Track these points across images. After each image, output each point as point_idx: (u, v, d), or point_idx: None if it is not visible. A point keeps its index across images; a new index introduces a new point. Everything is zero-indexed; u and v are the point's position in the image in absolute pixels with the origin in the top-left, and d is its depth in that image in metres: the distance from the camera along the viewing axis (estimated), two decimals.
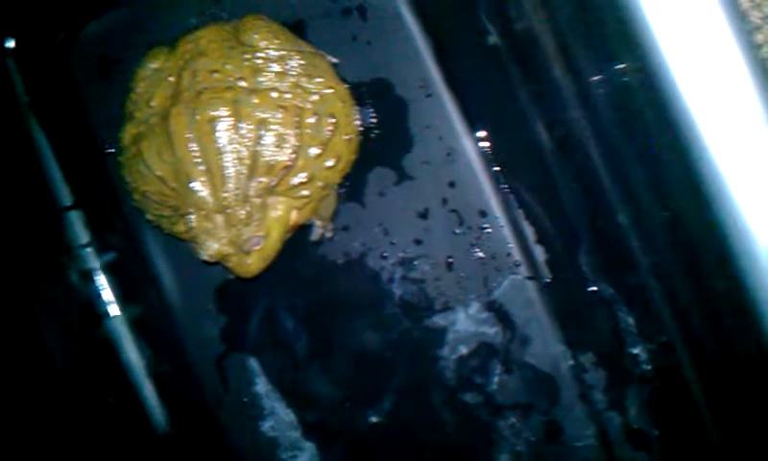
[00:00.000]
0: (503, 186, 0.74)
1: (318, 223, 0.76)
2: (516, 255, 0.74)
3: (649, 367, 0.73)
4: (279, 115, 0.68)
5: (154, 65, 0.75)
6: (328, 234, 0.77)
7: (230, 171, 0.67)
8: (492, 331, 0.76)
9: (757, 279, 0.52)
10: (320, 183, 0.72)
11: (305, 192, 0.71)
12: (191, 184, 0.68)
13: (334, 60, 0.75)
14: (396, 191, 0.76)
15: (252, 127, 0.68)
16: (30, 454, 0.76)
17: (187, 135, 0.68)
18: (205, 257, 0.69)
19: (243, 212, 0.68)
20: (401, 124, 0.75)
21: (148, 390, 0.86)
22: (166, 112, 0.70)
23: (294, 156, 0.69)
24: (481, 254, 0.75)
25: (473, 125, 0.74)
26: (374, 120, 0.76)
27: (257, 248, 0.70)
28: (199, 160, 0.68)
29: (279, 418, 0.82)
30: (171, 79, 0.72)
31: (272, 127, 0.68)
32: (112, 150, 0.80)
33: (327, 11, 0.76)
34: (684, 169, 0.53)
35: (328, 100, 0.71)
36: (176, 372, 0.85)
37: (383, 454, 0.81)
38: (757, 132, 0.51)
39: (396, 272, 0.77)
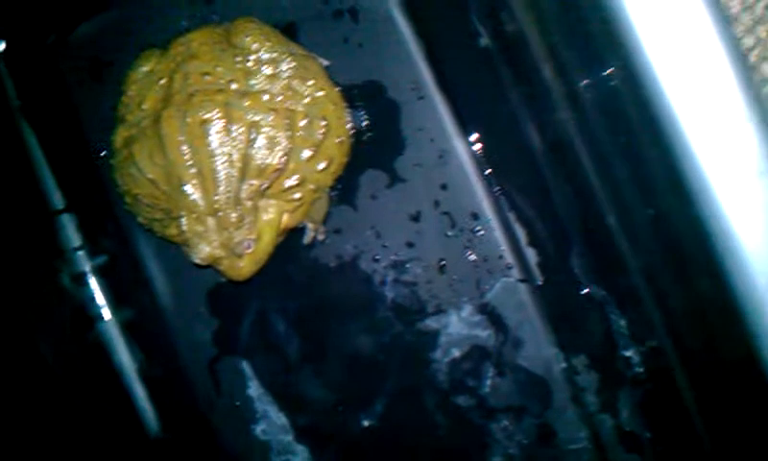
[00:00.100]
0: (495, 189, 0.74)
1: (310, 226, 0.76)
2: (509, 258, 0.74)
3: (641, 369, 0.73)
4: (271, 118, 0.68)
5: (145, 68, 0.75)
6: (320, 237, 0.77)
7: (222, 174, 0.67)
8: (485, 334, 0.76)
9: (741, 278, 0.53)
10: (311, 186, 0.72)
11: (297, 195, 0.71)
12: (182, 187, 0.67)
13: (326, 62, 0.75)
14: (389, 194, 0.76)
15: (243, 129, 0.68)
16: (22, 458, 0.76)
17: (179, 138, 0.67)
18: (197, 260, 0.69)
19: (234, 215, 0.68)
20: (393, 126, 0.75)
21: (140, 393, 0.85)
22: (158, 115, 0.69)
23: (285, 158, 0.69)
24: (473, 257, 0.75)
25: (465, 127, 0.74)
26: (366, 122, 0.76)
27: (249, 251, 0.69)
28: (190, 163, 0.67)
29: (272, 421, 0.82)
30: (162, 81, 0.72)
31: (263, 129, 0.68)
32: (104, 153, 0.80)
33: (319, 13, 0.76)
34: (668, 169, 0.54)
35: (320, 102, 0.71)
36: (168, 375, 0.85)
37: (376, 458, 0.81)
38: (740, 132, 0.52)
39: (389, 275, 0.77)
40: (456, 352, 0.77)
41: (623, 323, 0.73)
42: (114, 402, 0.85)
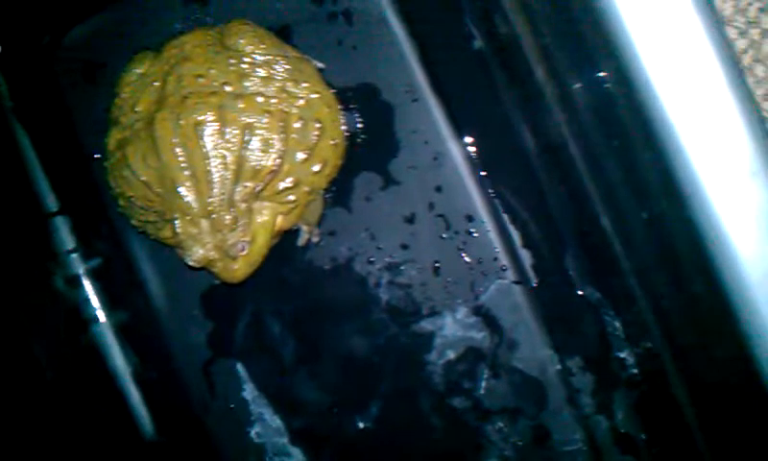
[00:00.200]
0: (490, 191, 0.75)
1: (304, 228, 0.76)
2: (503, 260, 0.74)
3: (636, 371, 0.73)
4: (265, 120, 0.68)
5: (139, 70, 0.74)
6: (315, 239, 0.77)
7: (216, 176, 0.67)
8: (480, 336, 0.76)
9: (734, 279, 0.53)
10: (306, 188, 0.71)
11: (291, 197, 0.71)
12: (176, 190, 0.67)
13: (320, 64, 0.75)
14: (383, 196, 0.76)
15: (237, 132, 0.67)
16: None
17: (172, 140, 0.67)
18: (191, 263, 0.69)
19: (228, 217, 0.67)
20: (388, 129, 0.75)
21: (134, 396, 0.85)
22: (151, 117, 0.69)
23: (280, 160, 0.68)
24: (468, 259, 0.75)
25: (460, 129, 0.74)
26: (361, 125, 0.76)
27: (243, 253, 0.69)
28: (184, 166, 0.67)
29: (267, 424, 0.81)
30: (156, 84, 0.72)
31: (257, 132, 0.68)
32: (98, 155, 0.80)
33: (313, 15, 0.76)
34: (661, 171, 0.54)
35: (314, 105, 0.71)
36: (162, 378, 0.84)
37: (371, 460, 0.81)
38: (732, 132, 0.52)
39: (383, 277, 0.77)
40: (451, 354, 0.76)
41: (618, 324, 0.73)
42: (109, 405, 0.85)
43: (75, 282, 0.84)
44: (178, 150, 0.67)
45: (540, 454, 0.76)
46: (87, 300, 0.85)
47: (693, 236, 0.53)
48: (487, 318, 0.75)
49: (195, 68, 0.70)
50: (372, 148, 0.76)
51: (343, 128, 0.74)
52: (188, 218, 0.68)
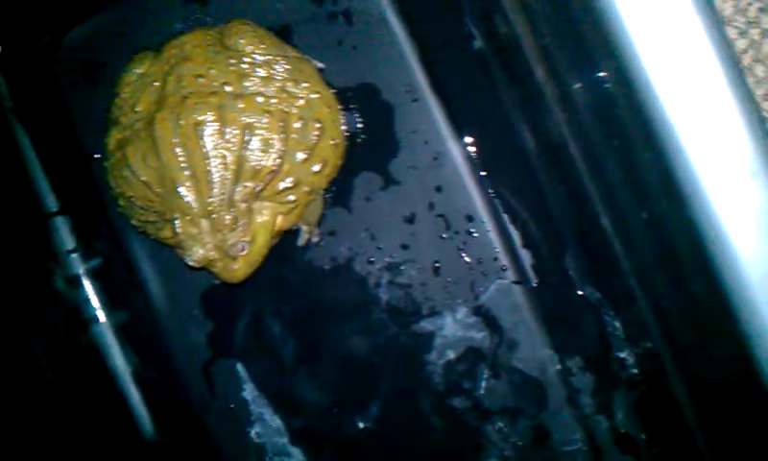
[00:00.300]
0: (490, 191, 0.75)
1: (304, 228, 0.76)
2: (503, 260, 0.75)
3: (636, 371, 0.73)
4: (265, 120, 0.68)
5: (139, 70, 0.74)
6: (315, 239, 0.77)
7: (216, 176, 0.67)
8: (480, 336, 0.76)
9: (734, 279, 0.53)
10: (306, 188, 0.71)
11: (292, 197, 0.71)
12: (176, 190, 0.67)
13: (320, 64, 0.75)
14: (383, 196, 0.76)
15: (237, 132, 0.67)
16: None
17: (172, 140, 0.67)
18: (191, 263, 0.69)
19: (228, 217, 0.67)
20: (388, 129, 0.76)
21: (134, 396, 0.85)
22: (151, 117, 0.69)
23: (280, 160, 0.68)
24: (468, 259, 0.75)
25: (460, 129, 0.74)
26: (361, 125, 0.76)
27: (243, 253, 0.69)
28: (184, 165, 0.67)
29: (267, 424, 0.81)
30: (156, 84, 0.72)
31: (257, 132, 0.68)
32: (98, 155, 0.80)
33: (313, 15, 0.76)
34: (661, 171, 0.54)
35: (314, 105, 0.71)
36: (162, 378, 0.85)
37: (371, 460, 0.81)
38: (732, 132, 0.52)
39: (383, 277, 0.77)
40: (451, 354, 0.77)
41: (618, 324, 0.73)
42: (109, 405, 0.85)
43: (75, 282, 0.85)
44: (178, 150, 0.67)
45: (540, 454, 0.76)
46: (87, 300, 0.85)
47: (693, 236, 0.53)
48: (487, 318, 0.75)
49: (195, 68, 0.70)
50: (372, 148, 0.76)
51: (343, 128, 0.74)
52: (188, 218, 0.68)
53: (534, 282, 0.75)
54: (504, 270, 0.75)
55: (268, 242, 0.71)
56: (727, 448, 0.67)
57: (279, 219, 0.71)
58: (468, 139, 0.74)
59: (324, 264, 0.78)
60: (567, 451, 0.75)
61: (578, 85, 0.63)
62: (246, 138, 0.68)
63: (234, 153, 0.67)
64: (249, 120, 0.68)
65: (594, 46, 0.57)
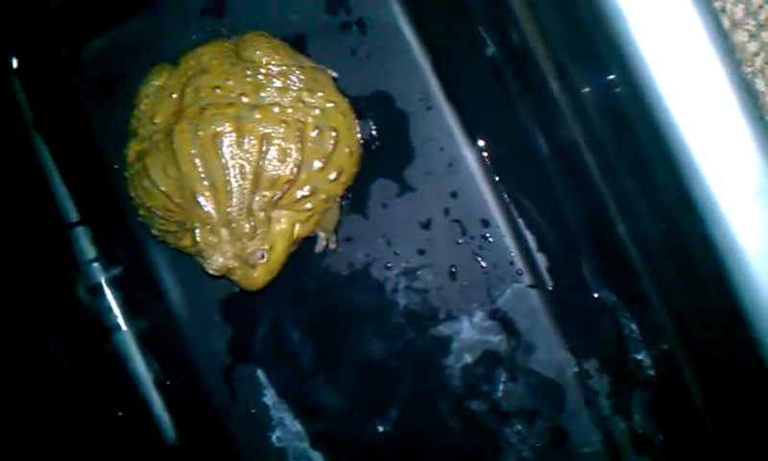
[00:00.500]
0: (505, 196, 0.75)
1: (322, 235, 0.77)
2: (519, 264, 0.75)
3: (652, 372, 0.73)
4: (282, 130, 0.69)
5: (157, 82, 0.75)
6: (332, 246, 0.78)
7: (234, 186, 0.68)
8: (497, 339, 0.76)
9: (748, 290, 0.53)
10: (323, 196, 0.72)
11: (309, 205, 0.72)
12: (196, 199, 0.68)
13: (334, 74, 0.75)
14: (399, 202, 0.77)
15: (254, 142, 0.68)
16: None
17: (191, 151, 0.68)
18: (211, 271, 0.70)
19: (247, 226, 0.68)
20: (402, 136, 0.76)
21: (157, 403, 0.86)
22: (170, 129, 0.70)
23: (297, 169, 0.69)
24: (484, 264, 0.75)
25: (474, 136, 0.75)
26: (375, 133, 0.76)
27: (262, 261, 0.70)
28: (203, 176, 0.68)
29: (287, 428, 0.82)
30: (174, 95, 0.73)
31: (275, 141, 0.69)
32: (117, 166, 0.81)
33: (327, 25, 0.77)
34: (674, 183, 0.54)
35: (330, 114, 0.72)
36: (184, 384, 0.86)
37: None
38: (742, 142, 0.52)
39: (400, 282, 0.77)
40: (468, 358, 0.77)
41: (634, 326, 0.73)
42: (132, 411, 0.86)
43: (97, 291, 0.86)
44: (197, 160, 0.68)
45: (558, 456, 0.76)
46: (109, 308, 0.86)
47: (706, 245, 0.54)
48: (503, 322, 0.76)
49: (212, 80, 0.71)
50: (387, 155, 0.76)
51: (358, 136, 0.74)
52: (208, 227, 0.69)
53: (549, 286, 0.75)
54: (520, 274, 0.75)
55: (286, 250, 0.72)
56: (743, 447, 0.67)
57: (297, 227, 0.72)
58: (483, 145, 0.75)
59: (341, 270, 0.79)
60: (585, 453, 0.75)
61: (588, 92, 0.63)
62: (263, 148, 0.68)
63: (252, 163, 0.68)
64: (266, 130, 0.69)
65: (602, 52, 0.57)
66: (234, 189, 0.68)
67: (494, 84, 0.74)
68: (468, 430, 0.78)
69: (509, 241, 0.75)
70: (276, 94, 0.71)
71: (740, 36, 0.71)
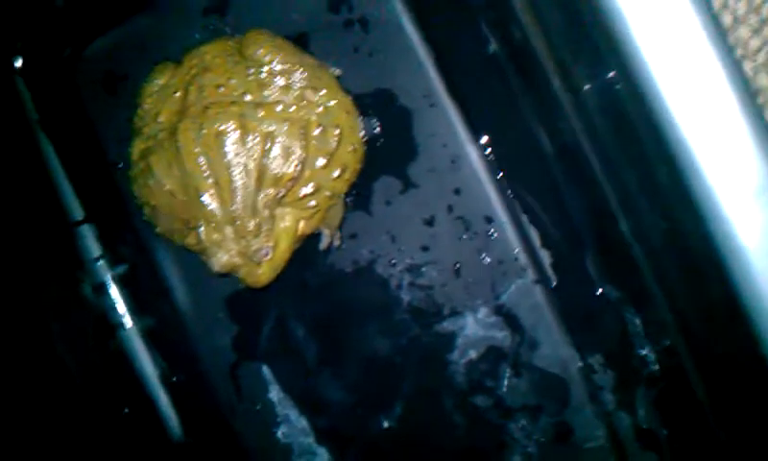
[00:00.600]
0: (508, 192, 0.75)
1: (326, 232, 0.77)
2: (523, 260, 0.75)
3: (657, 367, 0.73)
4: (285, 128, 0.69)
5: (160, 81, 0.75)
6: (336, 243, 0.78)
7: (238, 184, 0.68)
8: (501, 335, 0.76)
9: (748, 287, 0.53)
10: (327, 193, 0.72)
11: (313, 202, 0.72)
12: (200, 198, 0.68)
13: (337, 71, 0.75)
14: (403, 199, 0.77)
15: (258, 140, 0.68)
16: None
17: (195, 150, 0.68)
18: (216, 269, 0.70)
19: (252, 224, 0.69)
20: (406, 133, 0.76)
21: (162, 399, 0.86)
22: (174, 127, 0.70)
23: (300, 167, 0.69)
24: (488, 260, 0.76)
25: (477, 132, 0.75)
26: (379, 130, 0.77)
27: (267, 258, 0.70)
28: (207, 174, 0.68)
29: (292, 424, 0.83)
30: (177, 94, 0.73)
31: (278, 139, 0.69)
32: (121, 164, 0.82)
33: (329, 23, 0.77)
34: (672, 178, 0.54)
35: (333, 111, 0.72)
36: (190, 381, 0.86)
37: (396, 458, 0.82)
38: (743, 147, 0.52)
39: (405, 278, 0.78)
40: (473, 354, 0.77)
41: (638, 322, 0.73)
42: (138, 409, 0.86)
43: (102, 290, 0.86)
44: (201, 159, 0.68)
45: (562, 451, 0.76)
46: (114, 306, 0.86)
47: (707, 244, 0.54)
48: (508, 317, 0.76)
49: (215, 78, 0.71)
50: (390, 152, 0.77)
51: (361, 133, 0.74)
52: (212, 225, 0.69)
53: (554, 282, 0.75)
54: (524, 270, 0.75)
55: (291, 247, 0.72)
56: (746, 442, 0.67)
57: (301, 224, 0.72)
58: (486, 142, 0.75)
59: (345, 267, 0.79)
60: (590, 448, 0.75)
61: (588, 89, 0.63)
62: (267, 146, 0.68)
63: (256, 161, 0.68)
64: (269, 128, 0.69)
65: (601, 49, 0.57)
66: (238, 187, 0.68)
67: (497, 82, 0.74)
68: (473, 426, 0.78)
69: (513, 237, 0.75)
70: (279, 92, 0.71)
71: (743, 32, 0.71)
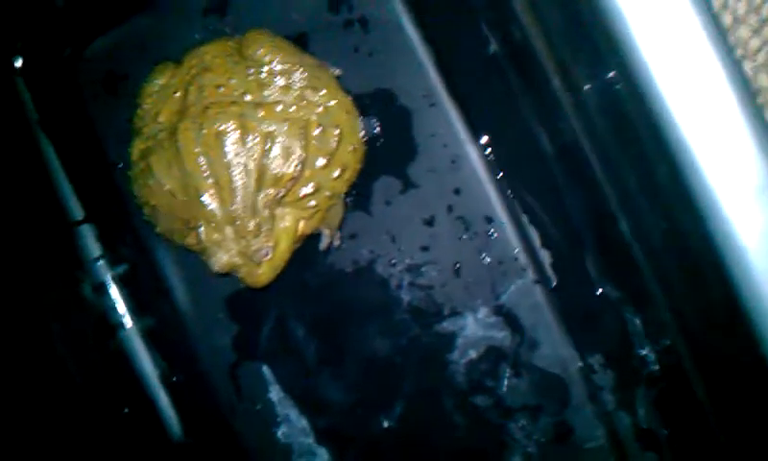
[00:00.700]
0: (508, 192, 0.75)
1: (326, 232, 0.77)
2: (523, 260, 0.75)
3: (657, 367, 0.73)
4: (285, 128, 0.69)
5: (160, 81, 0.76)
6: (336, 243, 0.78)
7: (238, 184, 0.68)
8: (501, 335, 0.76)
9: (748, 287, 0.53)
10: (327, 193, 0.72)
11: (313, 202, 0.72)
12: (200, 198, 0.68)
13: (337, 71, 0.75)
14: (402, 199, 0.77)
15: (258, 140, 0.68)
16: None
17: (195, 150, 0.68)
18: (216, 269, 0.70)
19: (252, 224, 0.69)
20: (406, 133, 0.76)
21: (162, 399, 0.86)
22: (174, 127, 0.70)
23: (300, 167, 0.69)
24: (488, 260, 0.76)
25: (477, 132, 0.75)
26: (379, 130, 0.77)
27: (267, 258, 0.70)
28: (207, 174, 0.68)
29: (292, 424, 0.83)
30: (177, 94, 0.73)
31: (278, 139, 0.69)
32: (121, 164, 0.82)
33: (329, 23, 0.77)
34: (672, 177, 0.54)
35: (333, 111, 0.72)
36: (189, 381, 0.86)
37: (396, 458, 0.82)
38: (742, 140, 0.52)
39: (405, 278, 0.78)
40: (473, 354, 0.77)
41: (638, 322, 0.73)
42: (138, 408, 0.86)
43: (102, 290, 0.86)
44: (201, 159, 0.68)
45: (562, 451, 0.76)
46: (115, 306, 0.86)
47: (707, 244, 0.54)
48: (508, 317, 0.76)
49: (215, 79, 0.71)
50: (390, 152, 0.77)
51: (361, 133, 0.74)
52: (212, 225, 0.69)
53: (554, 282, 0.75)
54: (524, 270, 0.75)
55: (290, 247, 0.72)
56: (746, 442, 0.67)
57: (301, 224, 0.72)
58: (486, 142, 0.75)
59: (345, 267, 0.79)
60: (590, 448, 0.75)
61: (588, 89, 0.63)
62: (267, 146, 0.69)
63: (256, 161, 0.68)
64: (269, 128, 0.69)
65: (601, 49, 0.57)
66: (238, 187, 0.68)
67: (497, 82, 0.74)
68: (473, 426, 0.78)
69: (513, 237, 0.75)
70: (279, 92, 0.71)
71: (743, 32, 0.71)
